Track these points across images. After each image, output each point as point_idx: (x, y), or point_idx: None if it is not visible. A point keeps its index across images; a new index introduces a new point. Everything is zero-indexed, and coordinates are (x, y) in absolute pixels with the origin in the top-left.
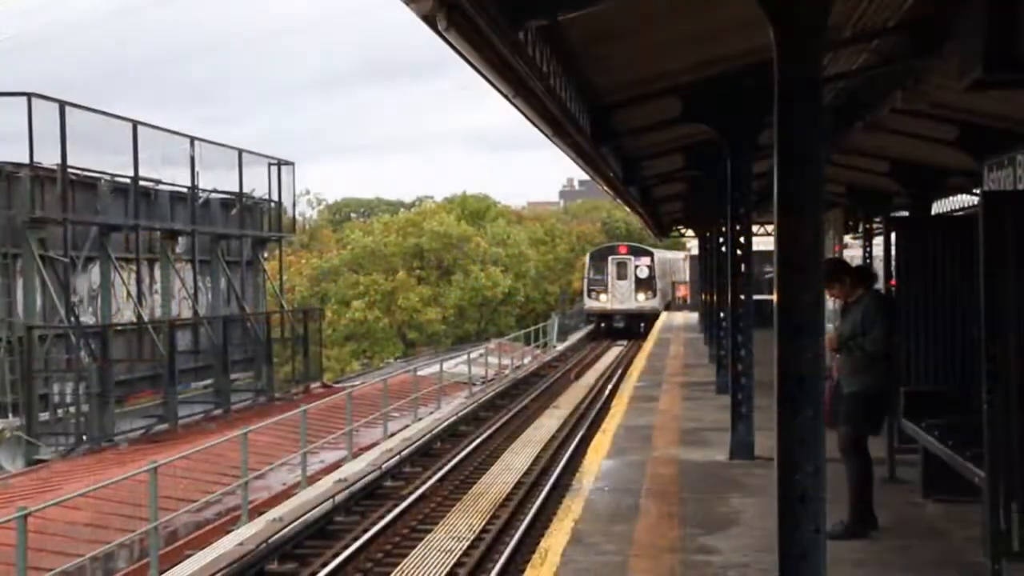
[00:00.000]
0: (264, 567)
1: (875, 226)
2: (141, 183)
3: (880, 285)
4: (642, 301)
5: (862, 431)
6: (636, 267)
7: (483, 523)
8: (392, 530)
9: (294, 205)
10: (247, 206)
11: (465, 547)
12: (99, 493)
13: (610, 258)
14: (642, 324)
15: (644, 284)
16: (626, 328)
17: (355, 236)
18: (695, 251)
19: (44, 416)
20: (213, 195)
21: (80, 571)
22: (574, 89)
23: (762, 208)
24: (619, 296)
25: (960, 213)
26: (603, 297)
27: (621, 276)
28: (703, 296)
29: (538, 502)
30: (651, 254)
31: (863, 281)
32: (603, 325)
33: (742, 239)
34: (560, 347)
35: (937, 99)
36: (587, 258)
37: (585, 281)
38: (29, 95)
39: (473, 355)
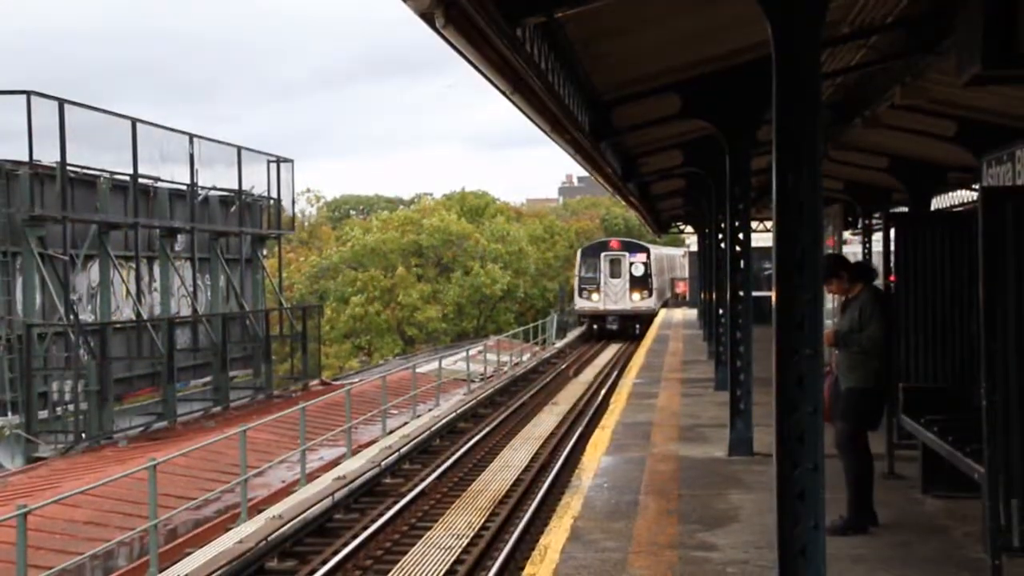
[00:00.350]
0: (264, 564)
1: (874, 222)
2: (140, 181)
3: (880, 281)
4: (637, 301)
5: (858, 427)
6: (631, 264)
7: (482, 520)
8: (391, 527)
9: (293, 202)
10: (246, 203)
11: (464, 544)
12: (98, 491)
13: (602, 255)
14: (637, 326)
15: (639, 282)
16: (620, 330)
17: (354, 233)
18: (694, 247)
19: (43, 414)
20: (212, 193)
21: (80, 569)
22: (573, 86)
23: (761, 204)
24: (612, 296)
25: (959, 209)
26: (595, 297)
27: (614, 274)
28: (701, 293)
29: (537, 499)
30: (647, 250)
31: (861, 277)
32: (595, 327)
33: (741, 235)
34: (559, 344)
35: (936, 95)
36: (578, 255)
37: (576, 279)
38: (28, 93)
39: (472, 352)
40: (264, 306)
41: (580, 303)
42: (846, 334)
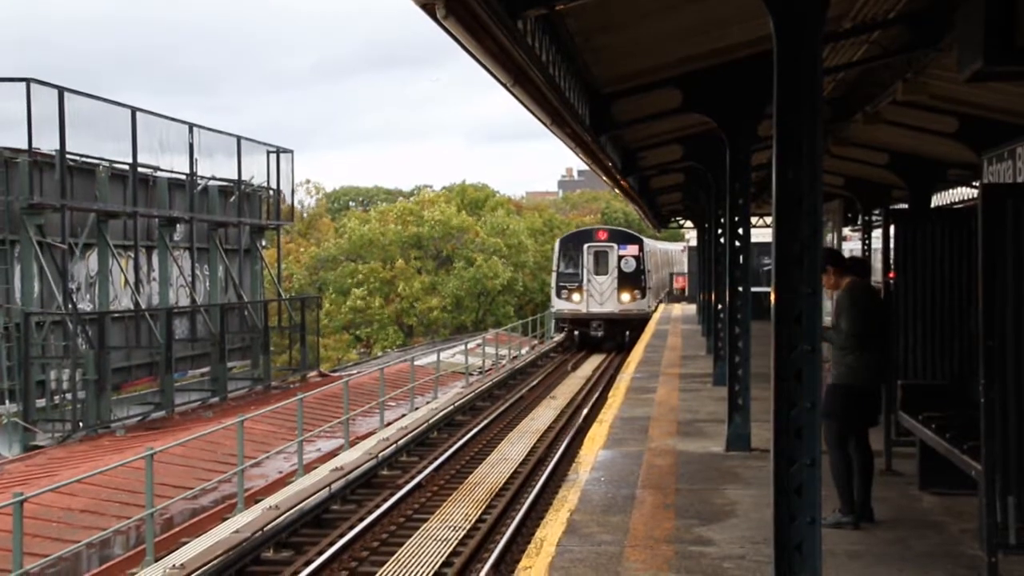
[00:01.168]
0: (260, 555)
1: (874, 218)
2: (140, 170)
3: (878, 277)
4: (627, 302)
5: (835, 423)
6: (620, 258)
7: (479, 513)
8: (388, 519)
9: (292, 193)
10: (245, 194)
11: (461, 536)
12: (95, 480)
13: (585, 246)
14: (627, 332)
15: (630, 280)
16: (606, 337)
17: (353, 225)
18: (694, 242)
19: (41, 402)
20: (212, 182)
21: (76, 557)
22: (574, 79)
23: (761, 199)
24: (597, 296)
25: (959, 206)
26: (576, 297)
27: (600, 270)
28: (700, 291)
29: (534, 492)
30: (639, 241)
31: (849, 272)
32: (576, 333)
33: (740, 230)
34: (557, 338)
35: (937, 91)
36: (556, 245)
37: (553, 276)
38: (28, 81)
39: (470, 345)
40: (263, 297)
41: (558, 304)
42: (826, 330)
